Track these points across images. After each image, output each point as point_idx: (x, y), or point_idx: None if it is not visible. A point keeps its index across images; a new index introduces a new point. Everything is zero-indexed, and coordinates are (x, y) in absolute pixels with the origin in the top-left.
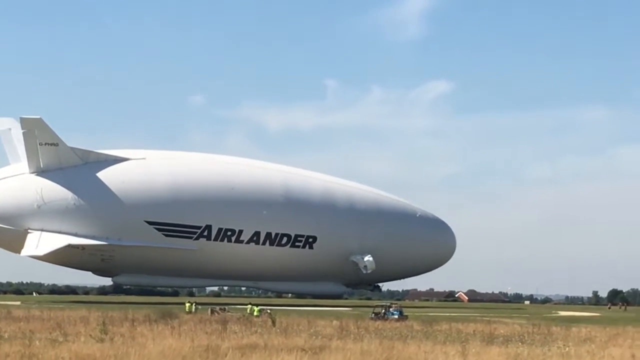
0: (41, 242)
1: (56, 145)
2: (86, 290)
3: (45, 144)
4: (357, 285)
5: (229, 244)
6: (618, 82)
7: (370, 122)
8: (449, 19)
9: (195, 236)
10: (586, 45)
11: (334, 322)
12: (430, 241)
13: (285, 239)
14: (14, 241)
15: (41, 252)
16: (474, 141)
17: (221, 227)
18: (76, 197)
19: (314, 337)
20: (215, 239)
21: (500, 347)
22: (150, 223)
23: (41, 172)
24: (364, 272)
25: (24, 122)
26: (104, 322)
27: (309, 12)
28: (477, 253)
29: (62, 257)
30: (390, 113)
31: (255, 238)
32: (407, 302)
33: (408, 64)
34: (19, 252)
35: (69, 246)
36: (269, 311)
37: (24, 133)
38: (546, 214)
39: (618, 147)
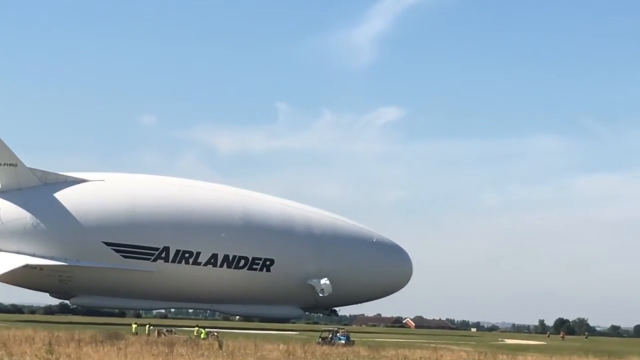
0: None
1: (15, 165)
2: (32, 310)
3: (4, 164)
4: (314, 309)
5: (187, 265)
6: (567, 111)
7: (321, 146)
8: (401, 45)
9: (152, 257)
10: (536, 74)
11: (281, 346)
12: (386, 266)
13: (242, 262)
14: None
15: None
16: (423, 168)
17: (179, 248)
18: (35, 217)
19: None
20: (173, 261)
21: None
22: (108, 244)
23: None
24: (321, 295)
25: None
26: (50, 342)
27: (261, 34)
28: (425, 279)
29: (20, 277)
30: (341, 138)
31: (212, 260)
32: (354, 327)
33: (360, 90)
34: None
35: (27, 266)
36: (216, 334)
37: None
38: (494, 242)
39: (567, 176)
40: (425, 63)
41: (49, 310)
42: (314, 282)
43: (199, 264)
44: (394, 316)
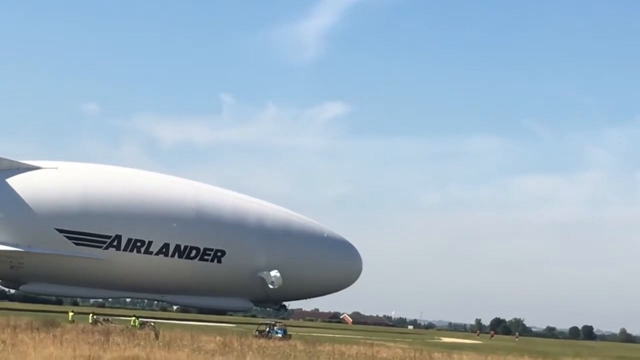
0: None
1: None
2: None
3: None
4: (264, 303)
5: (138, 254)
6: (510, 112)
7: (265, 139)
8: (347, 41)
9: (104, 245)
10: (480, 74)
11: (217, 338)
12: (337, 262)
13: (194, 252)
14: None
15: None
16: (366, 164)
17: (131, 237)
18: None
19: (197, 352)
20: (125, 249)
21: None
22: (60, 231)
23: None
24: (271, 287)
25: None
26: None
27: (208, 26)
28: (363, 275)
29: None
30: (285, 131)
31: (164, 250)
32: (291, 322)
33: (305, 84)
34: None
35: None
36: (152, 324)
37: None
38: (433, 241)
39: (506, 177)
40: (371, 59)
41: None
42: (264, 274)
43: (151, 253)
44: (332, 312)
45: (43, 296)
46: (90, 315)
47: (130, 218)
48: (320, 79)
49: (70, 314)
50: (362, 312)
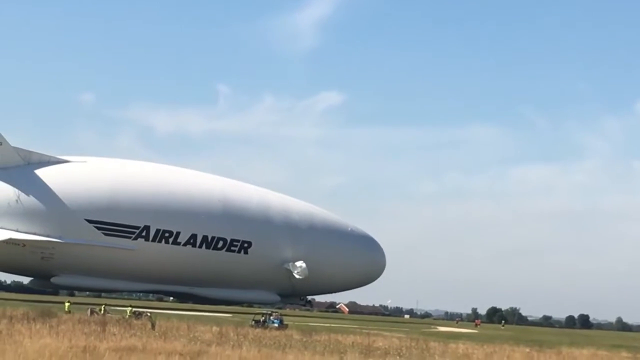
0: None
1: None
2: None
3: None
4: (290, 298)
5: (166, 245)
6: (507, 101)
7: (261, 129)
8: (343, 31)
9: (133, 236)
10: (477, 63)
11: (214, 328)
12: (361, 256)
13: (221, 243)
14: None
15: None
16: (362, 153)
17: (159, 228)
18: (18, 195)
19: (193, 342)
20: (153, 240)
21: None
22: (90, 222)
23: None
24: (297, 277)
25: None
26: None
27: (205, 16)
28: None
29: (3, 254)
30: (280, 121)
31: (192, 240)
32: (287, 311)
33: (301, 74)
34: None
35: (10, 242)
36: (149, 314)
37: None
38: (429, 230)
39: (503, 166)
40: (367, 49)
41: None
42: (290, 264)
43: (179, 243)
44: (328, 301)
45: (74, 289)
46: (69, 303)
47: (159, 209)
48: (316, 69)
49: (67, 304)
50: (358, 302)
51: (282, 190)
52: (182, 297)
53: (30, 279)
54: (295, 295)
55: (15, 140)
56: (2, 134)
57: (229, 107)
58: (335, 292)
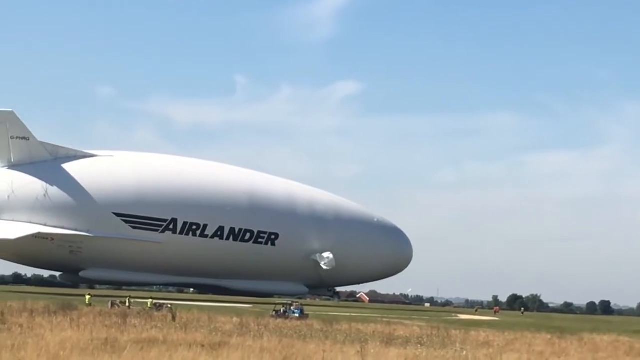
0: (12, 228)
1: (27, 139)
2: None
3: (17, 137)
4: (317, 289)
5: (194, 237)
6: (524, 88)
7: (279, 119)
8: (360, 20)
9: (161, 229)
10: (494, 50)
11: (235, 318)
12: (388, 247)
13: (248, 235)
14: None
15: (13, 235)
16: (381, 142)
17: (186, 220)
18: (46, 190)
19: (214, 333)
20: (181, 233)
21: (399, 349)
22: (118, 215)
23: (12, 166)
24: (324, 267)
25: None
26: (2, 312)
27: (221, 6)
28: None
29: (31, 249)
30: (298, 111)
31: (219, 233)
32: (308, 301)
33: (318, 63)
34: None
35: (39, 236)
36: (169, 306)
37: None
38: (449, 218)
39: (522, 153)
40: (384, 38)
41: (1, 280)
42: (317, 256)
43: (206, 236)
44: (348, 290)
45: (102, 283)
46: (89, 296)
47: (186, 202)
48: (333, 58)
49: (87, 297)
50: (378, 291)
51: (300, 180)
52: (209, 290)
53: (60, 273)
54: (322, 287)
55: (35, 134)
56: (30, 129)
57: (247, 98)
58: (362, 282)
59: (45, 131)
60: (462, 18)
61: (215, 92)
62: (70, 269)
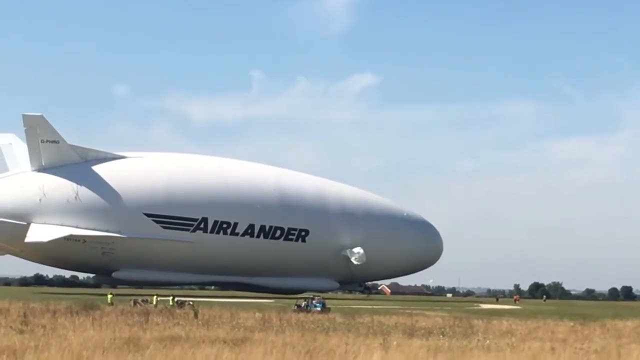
0: (45, 230)
1: (57, 142)
2: (7, 282)
3: (47, 141)
4: (349, 285)
5: (225, 236)
6: (541, 75)
7: (296, 113)
8: (376, 11)
9: (192, 228)
10: (510, 38)
11: (257, 314)
12: (418, 241)
13: (278, 232)
14: (17, 235)
15: (45, 238)
16: (398, 134)
17: (217, 219)
18: (77, 192)
19: (236, 329)
20: (212, 232)
21: (422, 340)
22: (148, 216)
23: (43, 169)
24: (355, 263)
25: (25, 119)
26: (25, 314)
27: (236, 2)
28: None
29: (64, 251)
30: (315, 105)
31: (250, 231)
32: (329, 295)
33: (334, 56)
34: (21, 247)
35: (71, 238)
36: (191, 303)
37: (25, 130)
38: (469, 207)
39: (540, 141)
40: (400, 29)
41: (23, 281)
42: (348, 251)
43: (237, 234)
44: (370, 283)
45: (135, 283)
46: (111, 295)
47: (215, 201)
48: (348, 50)
49: (109, 296)
50: (400, 283)
51: (318, 174)
52: (241, 288)
53: (92, 275)
54: (354, 282)
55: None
56: (59, 132)
57: (263, 93)
58: (393, 277)
59: (63, 133)
60: (478, 6)
61: (231, 88)
62: (102, 270)
